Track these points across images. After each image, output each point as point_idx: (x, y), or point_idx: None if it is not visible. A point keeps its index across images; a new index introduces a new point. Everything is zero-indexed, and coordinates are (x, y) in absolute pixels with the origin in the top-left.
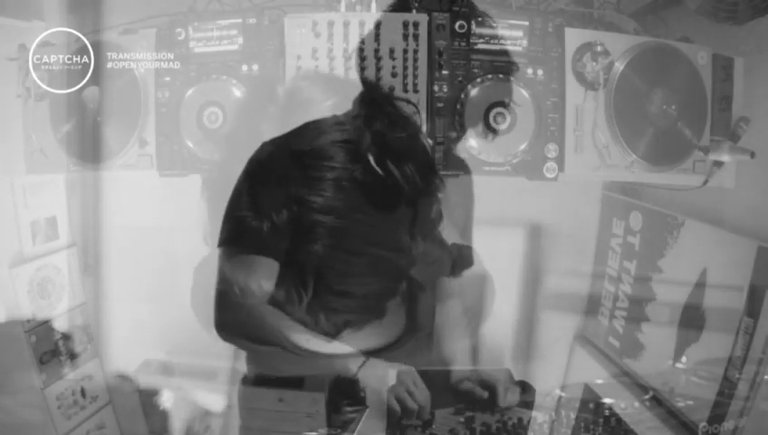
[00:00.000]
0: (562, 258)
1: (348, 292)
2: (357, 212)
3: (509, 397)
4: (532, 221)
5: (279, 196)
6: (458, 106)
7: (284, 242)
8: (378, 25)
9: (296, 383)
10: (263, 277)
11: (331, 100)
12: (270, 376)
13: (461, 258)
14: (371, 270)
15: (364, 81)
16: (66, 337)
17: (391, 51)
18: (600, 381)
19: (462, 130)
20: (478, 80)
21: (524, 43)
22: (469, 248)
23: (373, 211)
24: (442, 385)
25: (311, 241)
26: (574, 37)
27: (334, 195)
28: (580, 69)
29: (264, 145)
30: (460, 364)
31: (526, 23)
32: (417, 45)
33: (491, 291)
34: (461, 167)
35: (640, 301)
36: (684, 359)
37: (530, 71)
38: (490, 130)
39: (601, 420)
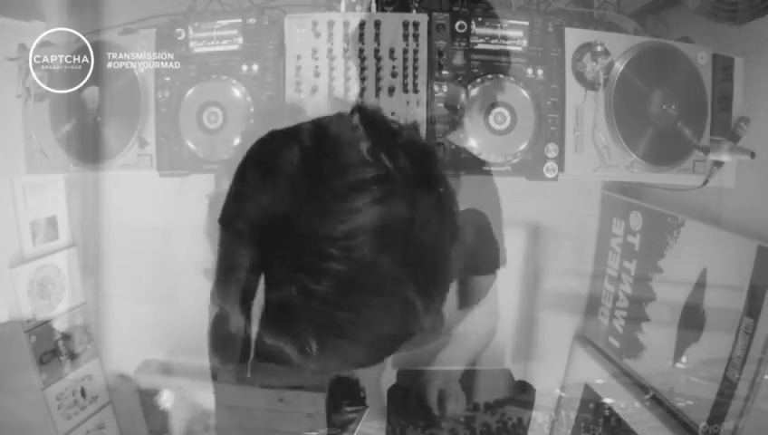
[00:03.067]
0: (562, 258)
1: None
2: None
3: (452, 405)
4: (533, 221)
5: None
6: (458, 106)
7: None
8: (378, 25)
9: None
10: None
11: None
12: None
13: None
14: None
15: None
16: (66, 337)
17: (391, 51)
18: (600, 381)
19: (461, 128)
20: (478, 80)
21: (524, 43)
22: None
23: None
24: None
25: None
26: (574, 37)
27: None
28: (580, 69)
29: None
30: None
31: (526, 23)
32: (417, 45)
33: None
34: (463, 166)
35: (640, 301)
36: (684, 359)
37: (530, 71)
38: (490, 129)
39: (601, 420)
